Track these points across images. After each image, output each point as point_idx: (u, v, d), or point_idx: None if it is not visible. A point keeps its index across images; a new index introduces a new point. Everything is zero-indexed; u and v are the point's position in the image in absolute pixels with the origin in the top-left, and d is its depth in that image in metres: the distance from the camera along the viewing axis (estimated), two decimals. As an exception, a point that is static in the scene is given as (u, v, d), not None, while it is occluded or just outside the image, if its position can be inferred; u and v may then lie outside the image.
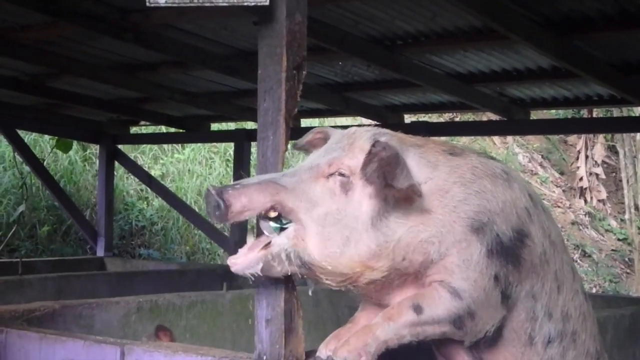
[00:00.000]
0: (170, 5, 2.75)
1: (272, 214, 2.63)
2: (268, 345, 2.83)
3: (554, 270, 3.01)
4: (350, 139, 2.85)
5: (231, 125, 11.96)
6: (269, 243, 2.64)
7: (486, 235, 2.79)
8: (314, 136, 3.04)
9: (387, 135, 2.85)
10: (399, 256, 2.72)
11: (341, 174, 2.72)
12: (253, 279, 2.67)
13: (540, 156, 20.04)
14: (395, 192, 2.67)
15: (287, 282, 2.84)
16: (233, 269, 2.66)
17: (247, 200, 2.58)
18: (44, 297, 4.91)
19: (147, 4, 2.77)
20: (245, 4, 2.73)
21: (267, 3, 2.75)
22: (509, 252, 2.83)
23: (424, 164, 2.80)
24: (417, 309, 2.71)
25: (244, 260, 2.64)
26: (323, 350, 2.81)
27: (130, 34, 5.74)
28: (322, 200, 2.68)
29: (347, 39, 5.68)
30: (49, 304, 4.38)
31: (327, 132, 3.01)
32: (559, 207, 18.26)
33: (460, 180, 2.84)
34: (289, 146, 2.96)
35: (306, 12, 2.95)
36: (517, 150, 19.56)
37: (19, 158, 10.36)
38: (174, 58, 6.55)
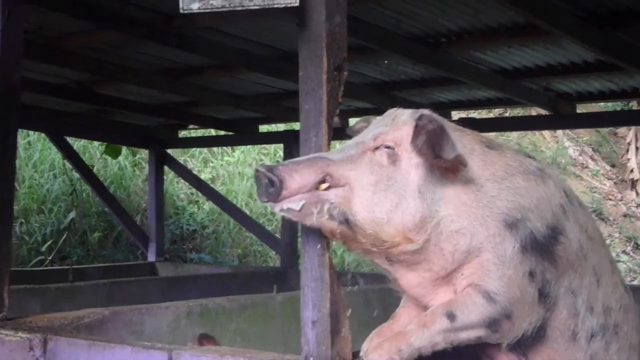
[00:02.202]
0: (202, 10, 2.78)
1: (323, 186, 2.66)
2: (314, 347, 2.83)
3: (592, 265, 3.00)
4: (391, 116, 2.94)
5: (280, 127, 12.01)
6: (317, 187, 2.66)
7: (520, 231, 2.80)
8: (361, 124, 3.12)
9: (427, 111, 2.90)
10: (435, 236, 2.75)
11: (387, 147, 2.78)
12: (287, 216, 2.67)
13: (590, 149, 19.81)
14: (442, 162, 2.72)
15: (332, 283, 2.84)
16: (274, 207, 2.65)
17: (299, 177, 2.61)
18: (95, 304, 4.95)
19: (181, 10, 2.81)
20: (276, 5, 2.75)
21: (297, 4, 2.77)
22: (543, 249, 2.84)
23: (460, 147, 2.80)
24: (451, 316, 2.72)
25: (287, 197, 2.63)
26: (365, 347, 2.84)
27: (174, 38, 5.80)
28: (371, 171, 2.73)
29: (391, 37, 5.69)
30: (98, 311, 4.40)
31: (369, 120, 3.10)
32: (610, 199, 18.04)
33: (493, 176, 2.86)
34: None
35: (346, 13, 2.96)
36: (567, 144, 19.36)
37: (68, 165, 10.48)
38: (219, 61, 6.59)
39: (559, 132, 19.18)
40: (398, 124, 2.85)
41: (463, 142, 2.88)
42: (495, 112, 16.21)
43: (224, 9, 2.84)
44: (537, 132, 18.77)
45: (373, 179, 2.71)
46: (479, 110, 13.64)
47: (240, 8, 2.82)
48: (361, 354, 2.79)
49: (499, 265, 2.76)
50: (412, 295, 2.97)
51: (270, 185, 2.59)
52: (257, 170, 2.64)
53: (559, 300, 2.89)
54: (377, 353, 2.68)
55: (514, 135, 18.13)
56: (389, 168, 2.75)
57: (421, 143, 2.73)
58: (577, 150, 19.49)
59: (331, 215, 2.67)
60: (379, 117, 3.05)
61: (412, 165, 2.76)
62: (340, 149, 2.84)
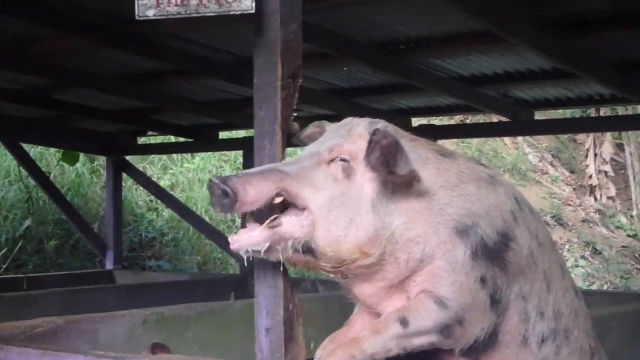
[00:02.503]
0: (158, 17, 2.77)
1: (278, 200, 2.65)
2: (268, 354, 2.85)
3: (542, 270, 3.03)
4: (347, 126, 2.91)
5: (240, 133, 11.96)
6: (274, 220, 2.65)
7: (470, 237, 2.81)
8: (313, 130, 3.08)
9: (382, 123, 2.90)
10: (390, 247, 2.75)
11: (342, 159, 2.77)
12: (250, 258, 2.69)
13: (550, 155, 20.04)
14: (396, 177, 2.72)
15: (286, 291, 2.85)
16: (233, 247, 2.66)
17: (253, 190, 2.60)
18: (51, 313, 4.87)
19: (137, 17, 2.80)
20: (231, 12, 2.75)
21: (253, 10, 2.77)
22: (494, 255, 2.85)
23: (414, 157, 2.82)
24: (403, 322, 2.72)
25: (248, 238, 2.64)
26: (319, 354, 2.84)
27: (134, 44, 5.75)
28: (325, 185, 2.72)
29: (350, 44, 5.69)
30: (51, 320, 4.33)
31: (324, 126, 3.05)
32: (569, 205, 18.25)
33: (446, 183, 2.87)
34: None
35: (301, 21, 2.97)
36: (527, 150, 19.58)
37: (24, 172, 10.36)
38: (180, 67, 6.56)
39: (519, 139, 19.38)
40: (353, 137, 2.84)
41: (418, 152, 2.89)
42: (456, 119, 16.33)
43: (180, 16, 2.84)
44: (497, 139, 18.95)
45: (328, 195, 2.71)
46: (440, 117, 13.75)
47: (196, 15, 2.82)
48: (315, 357, 2.80)
49: (450, 272, 2.77)
50: (365, 303, 2.98)
51: (223, 197, 2.57)
52: (210, 181, 2.62)
53: (510, 305, 2.91)
54: None
55: (474, 141, 18.28)
56: (344, 182, 2.74)
57: (374, 159, 2.72)
58: (537, 156, 19.71)
59: (295, 249, 2.67)
60: (332, 124, 3.04)
61: (366, 179, 2.75)
62: (295, 159, 2.83)
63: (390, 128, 2.88)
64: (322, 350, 2.88)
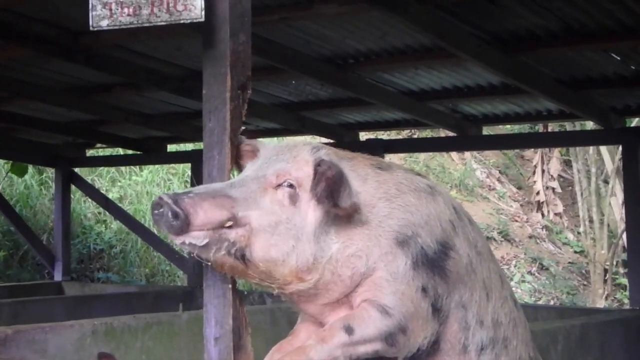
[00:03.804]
0: (112, 27, 2.79)
1: (228, 224, 2.63)
2: (217, 363, 2.85)
3: (481, 279, 3.06)
4: (292, 151, 2.88)
5: (188, 146, 11.95)
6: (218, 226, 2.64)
7: (411, 247, 2.84)
8: (243, 147, 3.03)
9: (324, 150, 2.89)
10: (328, 271, 2.76)
11: (289, 185, 2.76)
12: (187, 249, 2.65)
13: (497, 171, 20.20)
14: (339, 210, 2.73)
15: (235, 300, 2.86)
16: (176, 239, 2.62)
17: (204, 215, 2.58)
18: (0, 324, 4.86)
19: (91, 27, 2.81)
20: (182, 21, 2.77)
21: (203, 19, 2.78)
22: (434, 264, 2.87)
23: (354, 177, 2.84)
24: (348, 330, 2.74)
25: (190, 234, 2.60)
26: None
27: (82, 56, 5.75)
28: (272, 210, 2.72)
29: (299, 58, 5.73)
30: (0, 330, 4.33)
31: (255, 145, 3.02)
32: (516, 221, 18.40)
33: (386, 195, 2.90)
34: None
35: (250, 32, 2.98)
36: (475, 166, 19.70)
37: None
38: (127, 79, 6.56)
39: (467, 155, 19.49)
40: (299, 163, 2.82)
41: (357, 171, 2.91)
42: (403, 134, 16.44)
43: (132, 26, 2.85)
44: (445, 154, 19.04)
45: (273, 220, 2.71)
46: (388, 132, 13.84)
47: (147, 24, 2.83)
48: None
49: (392, 282, 2.79)
50: (310, 314, 2.99)
51: (174, 219, 2.55)
52: (160, 199, 2.59)
53: (450, 314, 2.94)
54: None
55: (422, 157, 18.39)
56: (289, 209, 2.74)
57: (320, 191, 2.71)
58: (485, 172, 19.86)
59: (229, 252, 2.66)
60: (267, 145, 3.02)
61: (310, 207, 2.75)
62: (240, 181, 2.81)
63: (332, 154, 2.87)
64: (269, 359, 2.90)
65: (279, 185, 2.76)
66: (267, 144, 3.00)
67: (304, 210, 2.75)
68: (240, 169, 2.99)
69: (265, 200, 2.73)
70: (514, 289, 14.94)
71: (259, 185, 2.76)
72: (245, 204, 2.68)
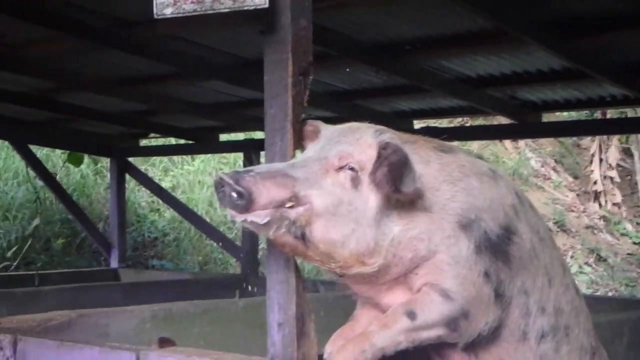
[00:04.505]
0: (176, 15, 2.79)
1: (289, 204, 2.64)
2: (280, 349, 2.85)
3: (543, 265, 3.03)
4: (355, 134, 2.88)
5: (240, 136, 12.00)
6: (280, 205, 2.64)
7: (474, 231, 2.83)
8: (306, 127, 3.03)
9: (388, 133, 2.88)
10: (390, 254, 2.76)
11: (351, 168, 2.75)
12: (248, 227, 2.66)
13: (553, 160, 19.96)
14: (400, 195, 2.71)
15: (298, 286, 2.86)
16: (238, 218, 2.62)
17: (267, 194, 2.58)
18: (60, 308, 4.94)
19: (155, 15, 2.82)
20: (245, 7, 2.76)
21: (267, 5, 2.76)
22: (497, 248, 2.86)
23: (417, 160, 2.82)
24: (411, 315, 2.74)
25: (252, 213, 2.61)
26: (328, 349, 2.86)
27: (135, 46, 5.78)
28: (333, 192, 2.71)
29: (353, 45, 5.68)
30: (65, 313, 4.44)
31: (317, 125, 3.02)
32: (572, 211, 18.17)
33: (449, 178, 2.88)
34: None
35: (311, 17, 2.97)
36: (529, 155, 19.50)
37: (32, 173, 10.45)
38: (179, 69, 6.58)
39: (522, 143, 19.31)
40: (363, 146, 2.81)
41: (419, 153, 2.89)
42: (455, 122, 16.32)
43: (196, 13, 2.85)
44: (499, 143, 18.88)
45: (334, 201, 2.70)
46: (440, 120, 13.75)
47: (211, 12, 2.83)
48: (325, 356, 2.81)
49: (453, 265, 2.79)
50: (367, 296, 2.99)
51: (239, 198, 2.55)
52: (221, 179, 2.59)
53: (512, 300, 2.93)
54: (341, 355, 2.69)
55: (475, 146, 18.24)
56: (351, 192, 2.73)
57: (382, 175, 2.70)
58: (540, 161, 19.63)
59: (289, 230, 2.66)
60: (330, 127, 3.02)
61: (371, 191, 2.74)
62: (302, 162, 2.81)
63: (397, 139, 2.86)
64: (331, 345, 2.90)
65: (341, 168, 2.76)
66: (330, 125, 3.00)
67: (366, 194, 2.74)
68: (302, 149, 2.99)
69: (327, 182, 2.73)
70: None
71: (320, 167, 2.76)
72: (306, 184, 2.68)
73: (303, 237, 2.67)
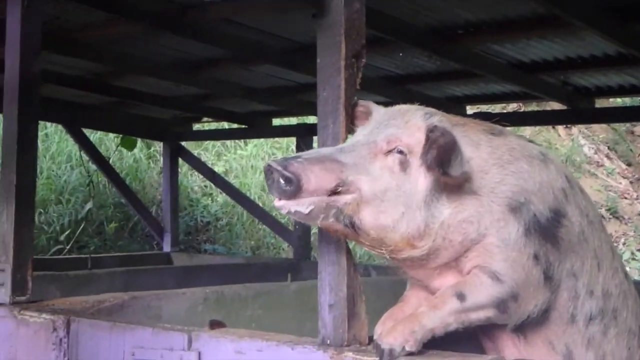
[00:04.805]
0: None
1: (337, 190, 2.65)
2: (331, 330, 2.88)
3: (592, 249, 3.05)
4: (404, 116, 2.90)
5: (293, 121, 12.03)
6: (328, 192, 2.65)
7: (523, 214, 2.84)
8: (357, 108, 3.05)
9: (437, 116, 2.90)
10: (440, 237, 2.79)
11: (400, 152, 2.77)
12: (293, 217, 2.69)
13: (606, 147, 19.73)
14: (448, 179, 2.73)
15: (349, 268, 2.88)
16: (282, 208, 2.65)
17: (315, 180, 2.61)
18: (113, 291, 5.01)
19: (203, -1, 2.84)
20: (297, -9, 2.77)
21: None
22: (546, 231, 2.87)
23: (467, 142, 2.84)
24: (460, 297, 2.77)
25: (295, 201, 2.63)
26: (378, 330, 2.88)
27: (189, 30, 5.80)
28: (381, 177, 2.73)
29: (406, 29, 5.65)
30: (117, 296, 4.50)
31: (368, 106, 3.05)
32: (626, 198, 17.97)
33: (499, 161, 2.88)
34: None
35: (364, 0, 2.98)
36: (582, 142, 19.30)
37: (85, 156, 10.57)
38: (233, 53, 6.60)
39: (575, 130, 19.13)
40: (411, 129, 2.83)
41: (470, 136, 2.91)
42: (509, 108, 16.20)
43: (245, -3, 2.86)
44: (552, 130, 18.72)
45: (383, 186, 2.72)
46: (493, 105, 13.65)
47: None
48: (375, 337, 2.82)
49: (503, 248, 2.81)
50: (418, 279, 3.02)
51: (287, 184, 2.58)
52: (270, 166, 2.62)
53: (561, 282, 2.94)
54: (392, 336, 2.70)
55: (528, 132, 18.08)
56: (399, 175, 2.75)
57: (431, 158, 2.72)
58: (593, 148, 19.43)
59: (337, 219, 2.69)
60: (380, 108, 3.04)
61: (420, 174, 2.77)
62: (351, 146, 2.83)
63: (445, 121, 2.87)
64: (381, 326, 2.94)
65: (390, 152, 2.78)
66: (381, 107, 3.01)
67: (414, 177, 2.76)
68: (353, 130, 3.01)
69: (375, 167, 2.74)
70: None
71: (369, 151, 2.78)
72: (354, 170, 2.70)
73: (353, 226, 2.71)
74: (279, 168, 2.58)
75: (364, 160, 2.75)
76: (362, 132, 2.93)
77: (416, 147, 2.78)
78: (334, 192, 2.66)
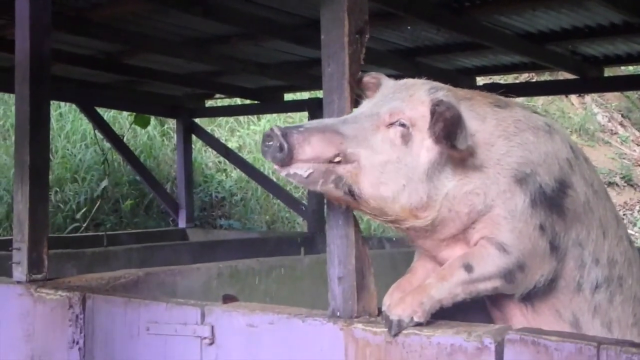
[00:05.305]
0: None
1: (336, 160, 2.69)
2: (341, 302, 2.93)
3: (598, 218, 3.08)
4: (409, 90, 2.92)
5: (304, 95, 12.04)
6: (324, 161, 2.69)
7: (529, 185, 2.87)
8: (368, 79, 3.09)
9: (443, 90, 2.91)
10: (445, 208, 2.82)
11: (402, 125, 2.80)
12: (292, 180, 2.72)
13: (620, 115, 19.65)
14: (454, 152, 2.76)
15: (357, 241, 2.93)
16: (281, 171, 2.69)
17: (310, 150, 2.64)
18: (129, 267, 5.09)
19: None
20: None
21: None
22: (552, 202, 2.91)
23: (473, 116, 2.86)
24: (468, 268, 2.80)
25: (293, 166, 2.67)
26: (387, 301, 2.91)
27: (199, 7, 5.82)
28: (382, 149, 2.76)
29: (414, 2, 5.66)
30: (132, 272, 4.57)
31: (379, 78, 3.08)
32: (639, 166, 17.92)
33: (505, 133, 2.91)
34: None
35: (367, -24, 3.01)
36: (595, 110, 19.22)
37: (99, 135, 10.64)
38: (244, 30, 6.63)
39: (588, 99, 19.05)
40: (415, 102, 2.85)
41: (476, 110, 2.93)
42: (521, 79, 16.15)
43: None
44: (564, 99, 18.65)
45: (383, 158, 2.75)
46: (505, 76, 13.61)
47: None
48: (384, 308, 2.86)
49: (509, 219, 2.84)
50: (426, 249, 3.06)
51: (278, 150, 2.61)
52: (272, 130, 2.65)
53: (567, 251, 2.97)
54: (400, 308, 2.74)
55: (541, 102, 18.03)
56: (400, 148, 2.78)
57: (438, 130, 2.73)
58: (606, 116, 19.35)
59: (337, 185, 2.72)
60: (390, 80, 3.06)
61: (423, 148, 2.79)
62: (354, 117, 2.86)
63: (451, 95, 2.88)
64: (389, 297, 2.96)
65: (392, 124, 2.81)
66: (390, 80, 3.03)
67: (416, 150, 2.79)
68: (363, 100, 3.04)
69: (377, 139, 2.77)
70: (637, 235, 14.63)
71: (371, 123, 2.81)
72: (355, 141, 2.73)
73: (352, 194, 2.75)
74: (279, 134, 2.62)
75: (365, 132, 2.78)
76: (367, 104, 2.98)
77: (419, 121, 2.80)
78: (333, 162, 2.70)
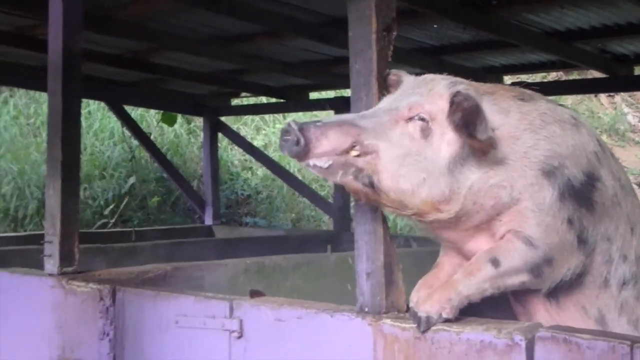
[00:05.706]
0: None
1: (354, 153, 2.70)
2: (369, 298, 2.95)
3: (625, 213, 3.06)
4: (428, 85, 2.93)
5: (330, 94, 12.04)
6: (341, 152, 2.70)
7: (557, 178, 2.86)
8: (392, 77, 3.08)
9: (462, 84, 2.91)
10: (470, 201, 2.82)
11: (421, 119, 2.80)
12: (312, 171, 2.73)
13: (650, 115, 19.47)
14: (474, 142, 2.75)
15: (385, 237, 2.94)
16: (301, 163, 2.71)
17: (327, 143, 2.66)
18: (156, 263, 5.13)
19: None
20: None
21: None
22: (580, 195, 2.89)
23: (497, 110, 2.86)
24: (495, 262, 2.80)
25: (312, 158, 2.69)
26: (414, 298, 2.92)
27: (224, 5, 5.85)
28: (401, 143, 2.77)
29: (440, 1, 5.66)
30: (161, 266, 4.62)
31: (400, 75, 3.08)
32: (670, 166, 17.74)
33: (530, 126, 2.90)
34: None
35: (395, -27, 3.02)
36: (626, 110, 19.04)
37: (127, 133, 10.72)
38: (268, 28, 6.64)
39: (618, 98, 18.87)
40: (434, 96, 2.85)
41: (499, 104, 2.93)
42: (549, 78, 16.04)
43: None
44: (594, 99, 18.48)
45: (402, 152, 2.75)
46: (533, 75, 13.51)
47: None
48: (411, 305, 2.87)
49: (537, 213, 2.83)
50: (451, 242, 3.06)
51: (295, 144, 2.63)
52: (289, 125, 2.67)
53: (596, 246, 2.96)
54: (428, 304, 2.75)
55: (570, 101, 17.90)
56: (420, 142, 2.78)
57: (457, 120, 2.73)
58: (637, 116, 19.15)
59: (356, 177, 2.73)
60: (410, 77, 3.06)
61: (443, 142, 2.79)
62: (373, 112, 2.87)
63: (471, 89, 2.87)
64: (417, 293, 2.97)
65: (411, 118, 2.81)
66: (411, 76, 3.04)
67: (437, 144, 2.79)
68: None
69: (395, 133, 2.78)
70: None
71: (390, 117, 2.81)
72: (373, 134, 2.74)
73: (372, 185, 2.75)
74: (295, 128, 2.64)
75: (383, 126, 2.78)
76: (387, 100, 2.98)
77: (439, 115, 2.80)
78: (352, 155, 2.71)
